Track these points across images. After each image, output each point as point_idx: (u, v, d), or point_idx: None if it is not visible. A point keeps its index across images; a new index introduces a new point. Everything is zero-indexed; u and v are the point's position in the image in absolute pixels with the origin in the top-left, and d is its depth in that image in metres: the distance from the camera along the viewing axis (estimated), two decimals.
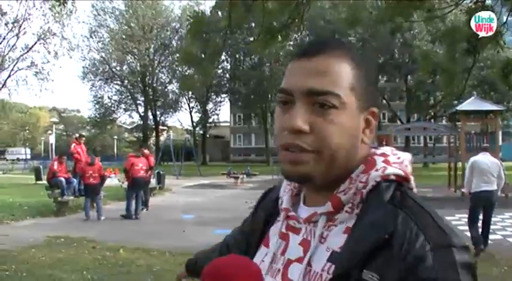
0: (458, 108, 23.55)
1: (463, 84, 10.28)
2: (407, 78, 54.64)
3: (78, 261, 9.61)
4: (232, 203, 18.66)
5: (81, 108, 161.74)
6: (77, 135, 21.69)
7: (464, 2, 10.02)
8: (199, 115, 74.70)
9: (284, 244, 1.28)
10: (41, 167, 32.44)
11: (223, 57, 56.78)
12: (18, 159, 73.71)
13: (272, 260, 1.28)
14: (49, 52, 47.28)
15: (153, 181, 20.49)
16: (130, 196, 15.98)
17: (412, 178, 1.24)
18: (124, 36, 64.62)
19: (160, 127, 73.13)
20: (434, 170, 46.50)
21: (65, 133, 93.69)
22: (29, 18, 46.50)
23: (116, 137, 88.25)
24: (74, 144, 18.59)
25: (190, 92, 64.12)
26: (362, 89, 1.19)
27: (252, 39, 48.89)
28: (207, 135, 77.18)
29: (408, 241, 1.05)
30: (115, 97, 71.08)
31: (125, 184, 18.00)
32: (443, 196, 22.73)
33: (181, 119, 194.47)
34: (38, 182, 28.02)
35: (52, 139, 46.87)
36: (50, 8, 43.42)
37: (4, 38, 46.23)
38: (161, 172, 25.53)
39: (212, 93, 69.58)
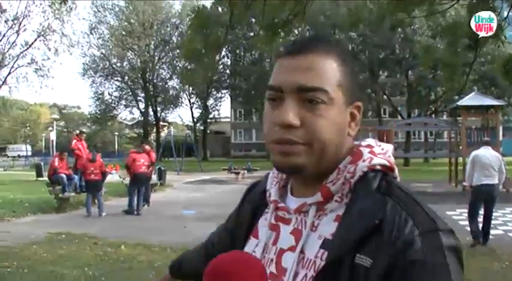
0: (459, 103, 23.57)
1: (464, 80, 10.26)
2: (408, 74, 54.49)
3: (80, 257, 9.61)
4: (233, 198, 18.36)
5: (81, 104, 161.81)
6: (78, 131, 21.64)
7: None
8: (200, 111, 74.80)
9: (275, 235, 1.32)
10: (42, 163, 32.44)
11: (223, 53, 56.82)
12: (19, 156, 73.74)
13: (264, 251, 1.32)
14: (49, 49, 47.28)
15: (154, 177, 20.51)
16: (132, 192, 16.00)
17: (396, 168, 1.30)
18: (124, 33, 64.56)
19: (161, 123, 73.16)
20: (435, 165, 46.58)
21: (65, 130, 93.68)
22: (29, 15, 46.46)
23: (116, 133, 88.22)
24: (74, 140, 18.59)
25: (190, 88, 64.10)
26: (348, 85, 1.24)
27: (252, 34, 48.96)
28: (208, 131, 77.31)
29: (398, 226, 1.10)
30: (115, 93, 71.12)
31: (126, 180, 18.02)
32: (444, 191, 22.77)
33: (182, 115, 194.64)
34: (39, 178, 28.05)
35: (53, 136, 46.89)
36: (49, 5, 43.42)
37: (4, 35, 46.21)
38: (162, 168, 25.52)
39: (213, 89, 69.62)
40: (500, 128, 23.89)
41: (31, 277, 8.11)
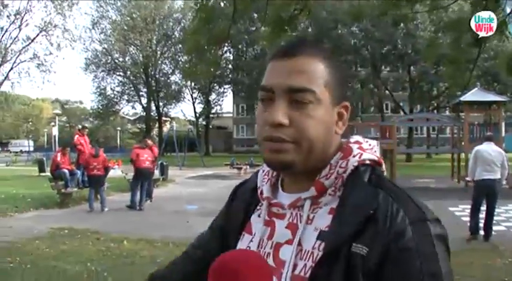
0: (461, 99, 23.51)
1: (468, 76, 10.24)
2: (411, 69, 54.41)
3: (82, 252, 9.62)
4: None
5: (83, 99, 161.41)
6: (80, 127, 21.68)
7: None
8: (202, 106, 74.78)
9: (270, 230, 1.37)
10: (44, 159, 32.47)
11: (225, 48, 56.75)
12: (21, 151, 73.89)
13: (259, 245, 1.36)
14: (51, 44, 47.23)
15: (156, 172, 20.50)
16: (135, 187, 16.02)
17: (383, 162, 1.38)
18: (126, 28, 64.50)
19: (163, 118, 73.15)
20: (437, 160, 46.58)
21: (67, 125, 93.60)
22: (31, 10, 46.42)
23: (118, 128, 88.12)
24: (77, 135, 18.62)
25: (193, 83, 64.06)
26: (335, 86, 1.31)
27: (254, 29, 48.85)
28: (210, 126, 77.27)
29: (390, 216, 1.18)
30: (118, 88, 71.05)
31: (129, 175, 18.04)
32: (446, 187, 22.78)
33: (184, 110, 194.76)
34: (42, 174, 28.09)
35: (55, 131, 46.90)
36: (51, 0, 43.41)
37: (6, 31, 46.18)
38: (164, 163, 25.54)
39: (215, 84, 69.54)
40: (503, 124, 23.81)
41: (33, 272, 8.12)
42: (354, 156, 1.31)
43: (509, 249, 9.86)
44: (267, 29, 9.94)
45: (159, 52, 69.13)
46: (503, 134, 23.00)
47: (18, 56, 47.18)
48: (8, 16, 45.70)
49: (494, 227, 11.14)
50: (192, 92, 73.95)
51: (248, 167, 31.99)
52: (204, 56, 10.92)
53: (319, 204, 1.30)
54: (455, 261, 7.44)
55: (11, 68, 46.95)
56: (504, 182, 11.07)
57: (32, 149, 74.51)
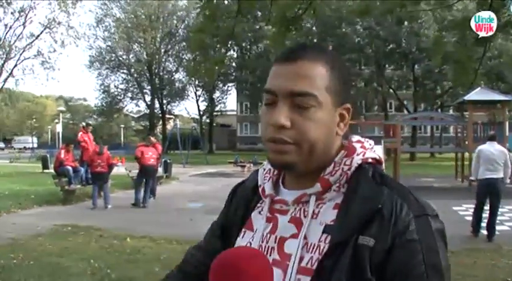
0: (465, 98, 23.47)
1: (474, 75, 10.22)
2: (415, 68, 54.30)
3: (85, 249, 9.63)
4: None
5: (87, 96, 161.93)
6: (84, 124, 21.70)
7: None
8: (206, 104, 74.80)
9: (272, 225, 1.41)
10: (48, 155, 32.48)
11: (229, 46, 56.72)
12: (25, 148, 73.92)
13: (261, 240, 1.40)
14: (55, 41, 47.27)
15: (160, 170, 20.51)
16: (139, 184, 16.05)
17: (383, 161, 1.46)
18: (130, 25, 64.57)
19: (167, 116, 73.33)
20: (441, 160, 46.53)
21: (71, 122, 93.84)
22: (35, 8, 46.43)
23: (122, 125, 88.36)
24: (81, 132, 18.63)
25: (197, 81, 64.08)
26: (336, 89, 1.35)
27: (258, 27, 48.80)
28: (214, 124, 77.29)
29: (395, 210, 1.24)
30: (121, 86, 71.29)
31: (132, 173, 18.05)
32: (450, 186, 22.77)
33: (188, 108, 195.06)
34: (45, 170, 28.10)
35: (59, 128, 46.95)
36: None
37: (10, 28, 46.23)
38: (168, 161, 25.56)
39: (219, 82, 69.53)
40: (507, 123, 23.72)
41: (37, 269, 8.13)
42: (357, 154, 1.37)
43: None
44: (271, 29, 9.94)
45: (163, 50, 69.30)
46: (507, 133, 22.89)
47: (22, 53, 47.33)
48: (12, 13, 45.80)
49: (498, 227, 11.13)
50: (196, 90, 74.08)
51: (252, 165, 31.99)
52: (208, 54, 10.91)
53: (324, 200, 1.35)
54: (458, 261, 7.37)
55: (15, 65, 47.12)
56: (508, 181, 11.08)
57: (35, 145, 74.46)
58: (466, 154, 22.89)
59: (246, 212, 1.52)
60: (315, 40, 50.72)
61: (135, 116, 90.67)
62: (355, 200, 1.28)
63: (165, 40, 68.86)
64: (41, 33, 47.02)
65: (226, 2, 13.93)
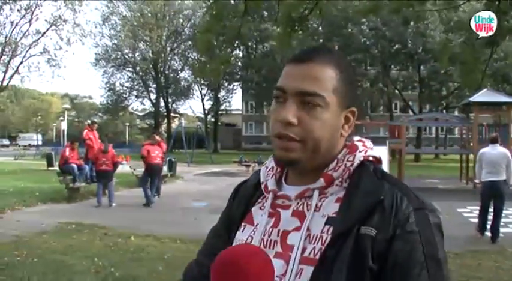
0: (471, 99, 23.43)
1: (481, 76, 10.20)
2: (420, 68, 54.17)
3: (90, 247, 9.64)
4: None
5: (93, 94, 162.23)
6: (90, 121, 21.73)
7: None
8: (211, 103, 74.81)
9: (274, 220, 1.45)
10: (53, 153, 32.51)
11: (235, 45, 56.70)
12: (29, 145, 74.10)
13: (262, 234, 1.45)
14: (61, 39, 47.29)
15: (164, 169, 20.51)
16: (145, 183, 16.04)
17: (382, 161, 1.52)
18: (136, 23, 64.62)
19: (172, 114, 73.29)
20: (446, 161, 46.46)
21: (76, 119, 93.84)
22: (41, 5, 46.46)
23: (127, 124, 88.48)
24: (86, 130, 18.65)
25: (202, 80, 64.08)
26: (343, 91, 1.42)
27: (264, 26, 48.72)
28: (219, 123, 77.32)
29: (396, 203, 1.31)
30: (127, 84, 71.34)
31: (137, 171, 18.07)
32: (454, 188, 22.74)
33: (193, 107, 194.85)
34: (50, 168, 28.11)
35: (64, 125, 47.03)
36: None
37: (17, 25, 46.26)
38: (173, 159, 25.57)
39: (224, 81, 69.54)
40: None
41: (41, 266, 8.14)
42: (359, 151, 1.45)
43: None
44: (277, 29, 9.95)
45: (168, 48, 69.30)
46: None
47: (28, 50, 47.24)
48: (18, 10, 45.76)
49: (502, 229, 11.13)
50: (201, 89, 74.09)
51: (257, 164, 31.94)
52: (215, 54, 10.92)
53: (326, 194, 1.41)
54: (462, 262, 7.36)
55: (21, 62, 46.99)
56: (511, 183, 11.08)
57: (40, 143, 74.62)
58: (471, 156, 22.84)
59: (247, 207, 1.57)
60: (321, 40, 50.75)
61: (140, 114, 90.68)
62: (357, 194, 1.35)
63: (171, 39, 68.88)
64: (47, 30, 46.99)
65: (232, 1, 13.94)
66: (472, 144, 23.51)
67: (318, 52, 1.45)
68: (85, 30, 52.68)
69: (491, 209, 10.95)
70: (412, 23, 45.29)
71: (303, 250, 1.34)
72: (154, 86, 70.24)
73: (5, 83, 47.30)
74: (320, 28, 52.08)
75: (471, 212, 13.91)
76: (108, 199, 15.54)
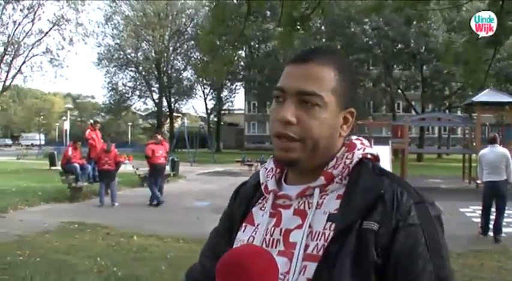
0: (474, 99, 23.41)
1: (484, 76, 10.21)
2: (423, 68, 54.06)
3: (92, 247, 9.65)
4: None
5: (95, 94, 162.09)
6: (92, 121, 21.72)
7: None
8: (214, 102, 74.76)
9: (275, 219, 1.46)
10: (55, 152, 32.56)
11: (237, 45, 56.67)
12: (32, 144, 74.10)
13: (264, 233, 1.46)
14: (64, 38, 47.30)
15: (167, 168, 20.53)
16: (152, 183, 16.02)
17: (380, 158, 1.54)
18: (139, 23, 64.62)
19: (175, 114, 73.27)
20: (448, 161, 46.40)
21: (79, 119, 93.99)
22: (44, 5, 46.47)
23: (130, 123, 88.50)
24: (89, 130, 18.67)
25: (205, 79, 64.05)
26: (342, 92, 1.45)
27: (266, 26, 48.65)
28: (221, 123, 77.30)
29: (397, 197, 1.34)
30: (129, 84, 71.25)
31: (139, 171, 18.06)
32: (457, 187, 22.72)
33: (196, 106, 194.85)
34: (52, 167, 28.15)
35: (66, 125, 47.05)
36: None
37: (19, 24, 46.27)
38: (175, 159, 25.57)
39: (227, 81, 69.49)
40: None
41: (43, 266, 8.15)
42: (358, 149, 1.47)
43: None
44: (279, 29, 9.94)
45: (171, 48, 69.26)
46: None
47: (31, 49, 47.26)
48: (21, 10, 45.78)
49: (505, 229, 11.14)
50: (204, 88, 73.96)
51: (259, 164, 31.89)
52: (218, 54, 10.92)
53: (326, 191, 1.43)
54: (465, 262, 7.35)
55: (24, 62, 47.02)
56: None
57: (43, 142, 74.65)
58: (474, 156, 22.78)
59: (247, 208, 1.58)
60: (323, 40, 50.72)
61: (143, 114, 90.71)
62: (357, 191, 1.37)
63: (174, 38, 68.82)
64: (50, 30, 47.01)
65: (235, 1, 13.93)
66: (474, 144, 23.50)
67: (318, 52, 1.47)
68: (88, 30, 52.72)
69: (493, 209, 10.97)
70: (414, 23, 45.25)
71: (306, 247, 1.35)
72: (157, 85, 70.20)
73: (7, 83, 47.36)
74: (322, 28, 52.00)
75: (474, 212, 13.90)
76: (111, 198, 15.55)
